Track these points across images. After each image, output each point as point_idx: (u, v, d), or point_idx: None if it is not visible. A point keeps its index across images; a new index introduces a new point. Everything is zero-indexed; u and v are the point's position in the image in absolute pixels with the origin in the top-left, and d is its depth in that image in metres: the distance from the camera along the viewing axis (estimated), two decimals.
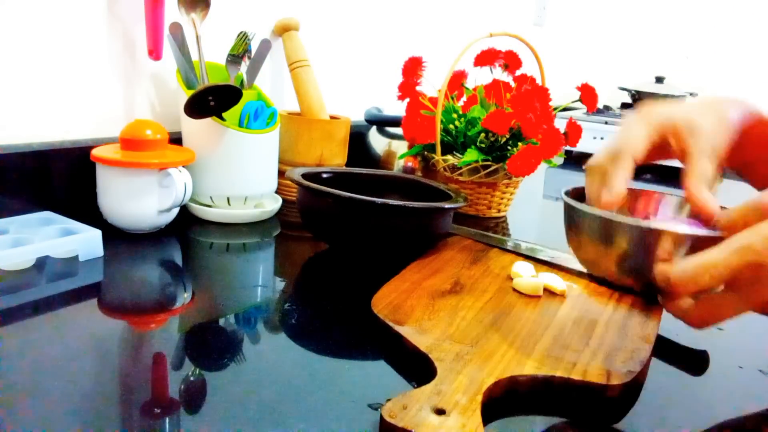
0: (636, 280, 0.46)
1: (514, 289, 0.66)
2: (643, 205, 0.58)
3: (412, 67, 1.04)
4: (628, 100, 2.03)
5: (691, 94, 2.02)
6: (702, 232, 0.43)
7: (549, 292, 0.66)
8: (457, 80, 1.07)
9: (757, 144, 0.52)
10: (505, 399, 0.48)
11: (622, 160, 0.51)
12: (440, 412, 0.42)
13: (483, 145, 0.97)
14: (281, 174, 0.95)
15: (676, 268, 0.41)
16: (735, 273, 0.39)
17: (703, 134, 0.50)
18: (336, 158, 1.04)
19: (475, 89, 1.06)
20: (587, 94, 1.07)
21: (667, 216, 0.57)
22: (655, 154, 0.53)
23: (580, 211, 0.47)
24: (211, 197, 0.88)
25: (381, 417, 0.41)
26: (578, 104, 1.08)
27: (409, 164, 1.17)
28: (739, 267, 0.39)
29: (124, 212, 0.77)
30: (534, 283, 0.65)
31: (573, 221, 0.48)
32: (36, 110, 0.80)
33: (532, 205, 1.22)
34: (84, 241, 0.69)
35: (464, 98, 1.08)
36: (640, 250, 0.44)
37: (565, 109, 1.15)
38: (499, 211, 1.04)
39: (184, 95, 0.83)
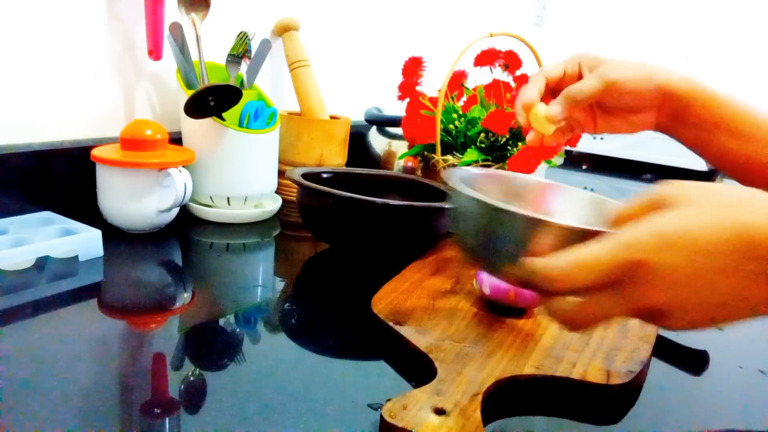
0: (511, 278, 0.41)
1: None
2: (552, 199, 0.56)
3: (412, 67, 1.04)
4: None
5: None
6: (590, 227, 0.37)
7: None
8: (457, 80, 1.07)
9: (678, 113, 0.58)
10: (505, 399, 0.48)
11: (535, 76, 0.61)
12: (440, 412, 0.42)
13: (483, 145, 0.97)
14: (281, 174, 0.95)
15: (550, 261, 0.35)
16: (619, 270, 0.34)
17: (608, 64, 0.60)
18: (336, 158, 1.04)
19: (475, 89, 1.06)
20: None
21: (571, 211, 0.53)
22: (570, 80, 0.61)
23: (461, 194, 0.41)
24: (211, 197, 0.88)
25: (381, 417, 0.41)
26: None
27: (409, 164, 1.17)
28: (625, 264, 0.34)
29: (124, 212, 0.77)
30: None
31: (456, 207, 0.43)
32: (36, 110, 0.80)
33: None
34: (84, 241, 0.69)
35: (464, 98, 1.08)
36: (519, 241, 0.39)
37: None
38: None
39: (184, 95, 0.83)
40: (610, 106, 0.61)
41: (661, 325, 0.36)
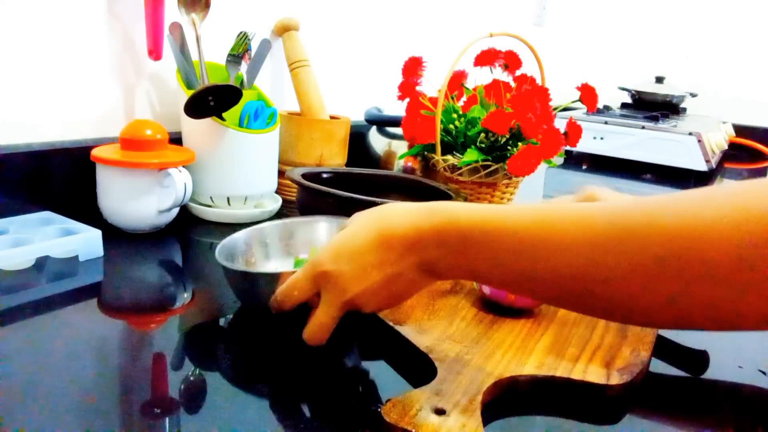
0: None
1: None
2: None
3: (412, 67, 1.04)
4: (628, 100, 2.03)
5: (691, 94, 2.01)
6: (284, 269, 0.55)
7: None
8: (457, 80, 1.07)
9: None
10: (505, 399, 0.48)
11: None
12: (440, 412, 0.42)
13: (483, 145, 0.97)
14: (281, 174, 0.95)
15: (278, 290, 0.51)
16: (316, 281, 0.48)
17: None
18: (336, 158, 1.04)
19: (475, 89, 1.06)
20: (587, 94, 1.07)
21: None
22: None
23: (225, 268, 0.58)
24: (211, 197, 0.88)
25: (381, 417, 0.41)
26: (578, 104, 1.08)
27: (409, 164, 1.17)
28: (316, 276, 0.48)
29: (124, 212, 0.77)
30: None
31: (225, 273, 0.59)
32: (36, 110, 0.80)
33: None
34: (84, 241, 0.69)
35: (464, 98, 1.08)
36: (252, 288, 0.57)
37: (565, 109, 1.15)
38: None
39: (184, 95, 0.83)
40: None
41: (363, 310, 0.48)
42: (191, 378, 0.48)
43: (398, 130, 1.18)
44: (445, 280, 0.57)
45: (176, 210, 0.80)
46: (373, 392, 0.48)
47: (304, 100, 1.04)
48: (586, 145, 1.70)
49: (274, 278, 0.54)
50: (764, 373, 0.57)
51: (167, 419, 0.43)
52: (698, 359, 0.59)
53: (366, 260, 0.46)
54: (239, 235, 0.65)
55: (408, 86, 1.04)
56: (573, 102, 1.09)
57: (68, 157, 0.81)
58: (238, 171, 0.87)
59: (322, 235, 0.68)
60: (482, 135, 0.97)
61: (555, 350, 0.53)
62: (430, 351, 0.51)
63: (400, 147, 1.25)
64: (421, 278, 0.47)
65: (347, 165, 1.08)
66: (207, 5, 0.87)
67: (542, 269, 0.40)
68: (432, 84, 1.05)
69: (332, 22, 1.23)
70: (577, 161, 1.73)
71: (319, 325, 0.49)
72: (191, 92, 0.80)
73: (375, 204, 0.72)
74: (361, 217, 0.50)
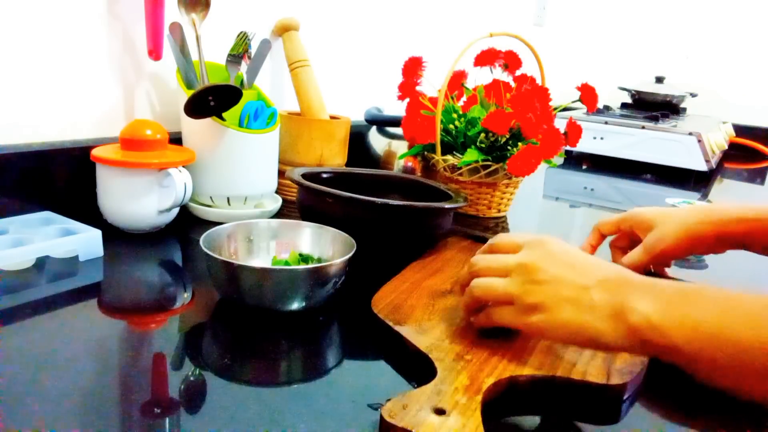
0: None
1: None
2: None
3: (412, 67, 1.04)
4: (628, 100, 2.03)
5: (691, 94, 2.01)
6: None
7: None
8: (457, 80, 1.07)
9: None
10: (505, 399, 0.48)
11: (592, 233, 0.75)
12: (440, 412, 0.42)
13: (483, 145, 0.97)
14: (281, 174, 0.95)
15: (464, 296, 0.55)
16: (474, 303, 0.54)
17: (654, 234, 0.67)
18: (336, 158, 1.04)
19: (475, 89, 1.06)
20: (587, 94, 1.07)
21: None
22: (624, 237, 0.73)
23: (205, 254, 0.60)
24: (211, 197, 0.88)
25: (381, 417, 0.41)
26: (578, 104, 1.08)
27: (409, 164, 1.17)
28: (471, 302, 0.54)
29: (124, 212, 0.77)
30: None
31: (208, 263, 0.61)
32: (36, 110, 0.80)
33: (532, 205, 1.22)
34: (84, 241, 0.69)
35: (464, 98, 1.08)
36: (233, 280, 0.59)
37: (565, 109, 1.15)
38: (499, 211, 1.04)
39: (184, 95, 0.83)
40: None
41: (537, 319, 0.49)
42: (191, 378, 0.49)
43: (398, 130, 1.18)
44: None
45: (176, 210, 0.80)
46: (373, 392, 0.48)
47: (304, 100, 1.04)
48: (586, 145, 1.70)
49: (255, 272, 0.58)
50: None
51: (167, 419, 0.43)
52: None
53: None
54: (225, 228, 0.66)
55: (408, 86, 1.04)
56: (573, 102, 1.09)
57: (68, 157, 0.81)
58: (238, 171, 0.87)
59: (305, 240, 0.70)
60: (482, 135, 0.97)
61: (555, 350, 0.53)
62: (430, 351, 0.51)
63: (400, 147, 1.25)
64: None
65: (347, 165, 1.08)
66: (207, 5, 0.87)
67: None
68: (432, 84, 1.05)
69: (332, 22, 1.23)
70: (577, 161, 1.73)
71: (487, 319, 0.53)
72: (191, 92, 0.80)
73: (375, 204, 0.73)
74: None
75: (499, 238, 0.57)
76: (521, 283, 0.50)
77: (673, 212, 0.68)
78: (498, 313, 0.51)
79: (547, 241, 0.52)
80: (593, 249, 0.75)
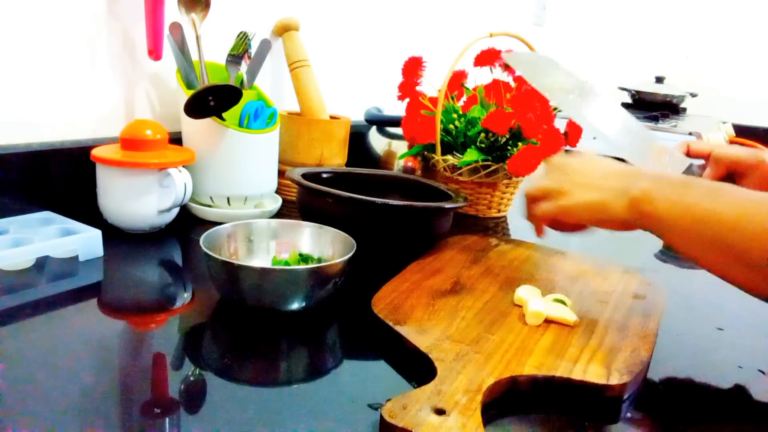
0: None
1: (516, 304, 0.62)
2: None
3: (412, 67, 1.04)
4: (628, 100, 2.03)
5: (691, 94, 2.01)
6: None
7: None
8: (457, 80, 1.07)
9: None
10: (505, 399, 0.48)
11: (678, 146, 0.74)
12: (440, 412, 0.42)
13: (483, 145, 0.97)
14: (281, 174, 0.95)
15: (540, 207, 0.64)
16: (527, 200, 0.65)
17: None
18: (336, 158, 1.04)
19: (475, 89, 1.06)
20: None
21: None
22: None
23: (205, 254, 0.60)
24: (211, 197, 0.88)
25: (381, 417, 0.41)
26: None
27: (409, 164, 1.17)
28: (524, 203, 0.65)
29: (124, 212, 0.77)
30: (536, 312, 0.58)
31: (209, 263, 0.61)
32: (36, 110, 0.80)
33: None
34: (84, 241, 0.69)
35: (464, 98, 1.08)
36: (232, 279, 0.58)
37: None
38: (499, 211, 1.04)
39: (184, 95, 0.83)
40: None
41: (564, 201, 0.60)
42: (191, 378, 0.49)
43: (398, 130, 1.18)
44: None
45: (176, 210, 0.80)
46: (373, 392, 0.48)
47: (304, 100, 1.04)
48: (586, 145, 1.69)
49: (255, 272, 0.58)
50: (764, 373, 0.57)
51: (167, 419, 0.43)
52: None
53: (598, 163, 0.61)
54: (225, 228, 0.66)
55: (408, 86, 1.04)
56: None
57: (68, 157, 0.81)
58: (238, 171, 0.87)
59: (305, 240, 0.69)
60: (482, 135, 0.97)
61: (555, 350, 0.53)
62: (430, 351, 0.51)
63: (400, 147, 1.25)
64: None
65: (347, 165, 1.08)
66: (207, 5, 0.87)
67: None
68: (432, 84, 1.05)
69: (332, 22, 1.23)
70: None
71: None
72: (191, 92, 0.80)
73: (375, 204, 0.73)
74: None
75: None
76: (552, 176, 0.63)
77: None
78: (541, 205, 0.62)
79: (583, 154, 0.64)
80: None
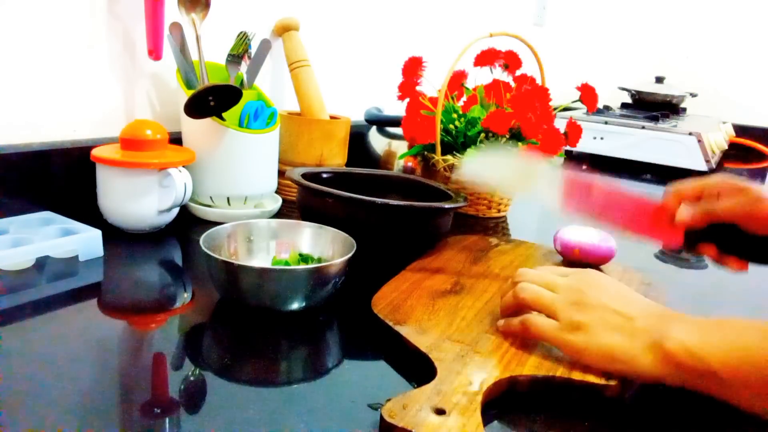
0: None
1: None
2: None
3: (412, 67, 1.04)
4: (628, 100, 2.03)
5: (691, 95, 2.01)
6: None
7: None
8: (457, 80, 1.07)
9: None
10: (505, 399, 0.48)
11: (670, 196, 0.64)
12: (440, 412, 0.42)
13: (483, 145, 0.97)
14: (281, 174, 0.95)
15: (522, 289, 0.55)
16: (514, 306, 0.55)
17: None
18: (336, 158, 1.04)
19: (475, 89, 1.06)
20: (587, 94, 1.07)
21: None
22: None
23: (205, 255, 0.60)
24: (211, 197, 0.88)
25: (381, 417, 0.41)
26: (578, 104, 1.08)
27: (409, 164, 1.17)
28: (513, 303, 0.55)
29: (124, 212, 0.77)
30: None
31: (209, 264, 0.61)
32: (36, 110, 0.80)
33: (532, 205, 1.22)
34: (84, 241, 0.69)
35: (464, 98, 1.08)
36: (232, 280, 0.58)
37: (565, 109, 1.15)
38: (499, 211, 1.04)
39: (184, 95, 0.83)
40: None
41: (577, 338, 0.50)
42: (191, 378, 0.49)
43: (398, 130, 1.18)
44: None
45: (176, 210, 0.80)
46: (373, 392, 0.48)
47: (304, 100, 1.04)
48: (586, 145, 1.70)
49: (255, 272, 0.58)
50: None
51: (167, 419, 0.43)
52: None
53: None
54: (225, 228, 0.66)
55: (408, 86, 1.04)
56: (573, 102, 1.09)
57: (68, 157, 0.81)
58: (238, 171, 0.87)
59: (305, 240, 0.70)
60: (482, 135, 0.97)
61: (555, 350, 0.53)
62: (430, 351, 0.51)
63: (400, 147, 1.25)
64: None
65: (347, 165, 1.08)
66: (207, 5, 0.87)
67: None
68: (432, 84, 1.05)
69: (332, 22, 1.23)
70: (577, 161, 1.73)
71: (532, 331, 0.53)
72: (191, 92, 0.80)
73: (375, 204, 0.73)
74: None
75: (542, 268, 0.59)
76: (570, 301, 0.51)
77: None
78: (538, 324, 0.52)
79: (595, 272, 0.55)
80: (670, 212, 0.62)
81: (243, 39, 0.92)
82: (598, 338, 0.49)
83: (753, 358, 0.43)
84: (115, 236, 0.76)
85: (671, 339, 0.45)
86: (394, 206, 0.73)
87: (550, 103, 1.03)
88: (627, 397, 0.50)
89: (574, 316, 0.50)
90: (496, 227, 0.99)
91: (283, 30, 1.06)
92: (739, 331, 0.45)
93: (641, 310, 0.50)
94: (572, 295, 0.51)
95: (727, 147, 1.90)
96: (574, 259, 0.75)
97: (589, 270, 0.56)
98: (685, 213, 0.59)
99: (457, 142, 1.00)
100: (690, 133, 1.58)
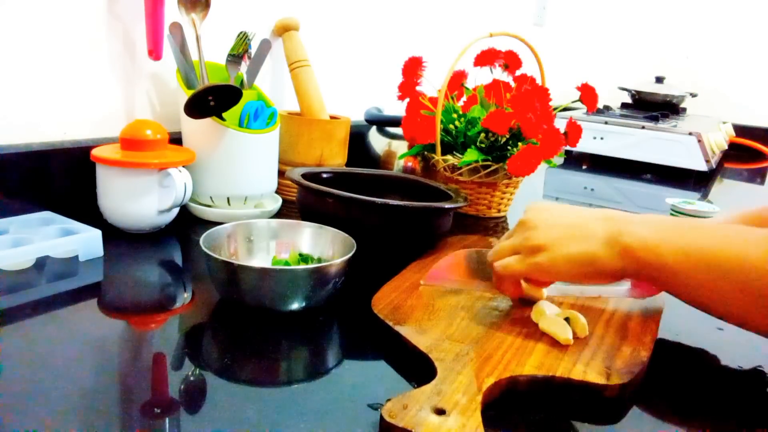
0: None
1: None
2: None
3: (412, 67, 1.04)
4: (628, 100, 2.03)
5: (691, 95, 2.01)
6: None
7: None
8: (457, 80, 1.07)
9: None
10: (504, 399, 0.48)
11: None
12: (440, 412, 0.42)
13: (483, 145, 0.97)
14: (281, 174, 0.95)
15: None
16: (516, 228, 0.58)
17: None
18: (336, 158, 1.04)
19: (475, 89, 1.06)
20: (587, 94, 1.07)
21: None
22: None
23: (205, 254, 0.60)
24: (211, 197, 0.88)
25: (381, 417, 0.41)
26: (578, 104, 1.08)
27: (409, 164, 1.17)
28: (518, 224, 0.59)
29: (124, 212, 0.77)
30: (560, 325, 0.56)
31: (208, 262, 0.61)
32: (36, 110, 0.80)
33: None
34: (84, 241, 0.69)
35: (464, 98, 1.08)
36: (233, 280, 0.59)
37: (565, 109, 1.15)
38: (499, 211, 1.04)
39: (184, 95, 0.83)
40: None
41: (541, 258, 0.54)
42: (191, 378, 0.49)
43: (398, 130, 1.18)
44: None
45: (176, 210, 0.80)
46: (373, 392, 0.48)
47: (304, 100, 1.04)
48: (586, 145, 1.70)
49: (255, 272, 0.58)
50: (764, 372, 0.57)
51: (167, 419, 0.43)
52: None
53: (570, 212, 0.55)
54: (225, 228, 0.66)
55: (408, 86, 1.04)
56: (573, 102, 1.09)
57: (68, 157, 0.81)
58: (238, 171, 0.87)
59: (305, 240, 0.70)
60: (482, 135, 0.97)
61: (555, 350, 0.53)
62: (430, 351, 0.51)
63: (400, 147, 1.25)
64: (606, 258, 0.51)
65: (347, 165, 1.08)
66: (207, 5, 0.87)
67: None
68: (432, 84, 1.05)
69: (332, 22, 1.23)
70: (577, 161, 1.73)
71: (511, 261, 0.56)
72: (191, 92, 0.80)
73: (375, 204, 0.73)
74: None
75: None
76: (521, 234, 0.56)
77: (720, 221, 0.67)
78: (505, 263, 0.56)
79: (536, 203, 0.59)
80: None
81: (243, 39, 0.92)
82: (559, 250, 0.53)
83: (705, 254, 0.47)
84: (115, 236, 0.76)
85: (629, 234, 0.50)
86: (394, 206, 0.73)
87: (550, 103, 1.03)
88: (627, 397, 0.50)
89: (529, 242, 0.54)
90: (496, 227, 0.99)
91: (283, 30, 1.06)
92: (691, 231, 0.49)
93: (589, 216, 0.54)
94: (524, 230, 0.56)
95: (727, 147, 1.90)
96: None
97: (532, 203, 0.60)
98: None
99: (457, 142, 1.00)
100: (690, 133, 1.58)
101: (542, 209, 0.57)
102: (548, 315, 0.57)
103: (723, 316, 0.49)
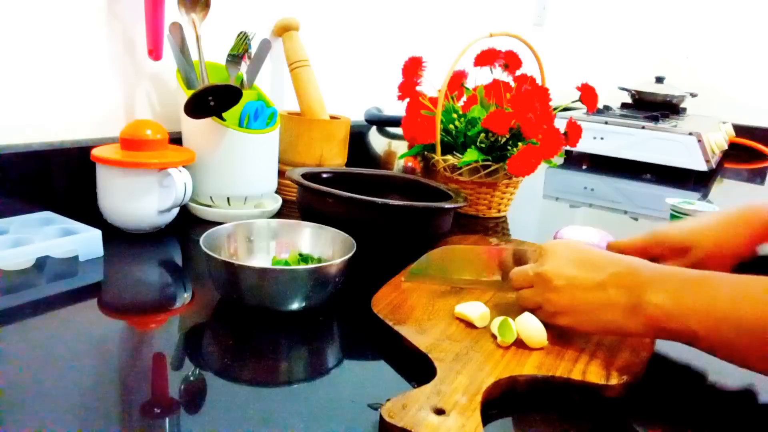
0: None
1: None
2: None
3: (412, 67, 1.04)
4: (628, 100, 2.03)
5: (691, 94, 2.01)
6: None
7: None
8: (457, 80, 1.07)
9: None
10: (504, 399, 0.48)
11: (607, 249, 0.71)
12: (440, 412, 0.42)
13: (483, 145, 0.97)
14: (281, 174, 0.95)
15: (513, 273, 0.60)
16: (535, 277, 0.57)
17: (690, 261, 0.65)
18: (336, 158, 1.04)
19: (475, 89, 1.06)
20: (587, 94, 1.07)
21: None
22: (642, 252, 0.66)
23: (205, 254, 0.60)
24: (211, 197, 0.88)
25: (381, 417, 0.41)
26: (578, 104, 1.08)
27: (409, 164, 1.17)
28: (536, 274, 0.56)
29: (124, 212, 0.77)
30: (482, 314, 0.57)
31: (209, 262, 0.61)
32: (36, 110, 0.80)
33: (532, 205, 1.22)
34: (84, 241, 0.69)
35: (464, 98, 1.08)
36: (233, 279, 0.59)
37: (565, 109, 1.15)
38: (499, 211, 1.04)
39: (184, 95, 0.83)
40: None
41: (565, 321, 0.54)
42: (191, 378, 0.49)
43: (398, 130, 1.18)
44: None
45: (176, 210, 0.80)
46: (373, 392, 0.48)
47: (304, 100, 1.04)
48: (586, 145, 1.70)
49: (255, 272, 0.58)
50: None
51: (167, 419, 0.43)
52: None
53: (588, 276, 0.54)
54: (225, 228, 0.66)
55: (408, 86, 1.04)
56: (573, 102, 1.09)
57: (68, 157, 0.81)
58: (238, 171, 0.87)
59: (305, 240, 0.70)
60: (482, 135, 0.97)
61: (555, 350, 0.53)
62: (430, 351, 0.51)
63: (400, 147, 1.25)
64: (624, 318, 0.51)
65: (347, 165, 1.08)
66: (207, 5, 0.87)
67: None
68: (432, 84, 1.05)
69: (332, 22, 1.23)
70: (577, 161, 1.73)
71: (529, 302, 0.57)
72: (191, 92, 0.80)
73: (375, 204, 0.73)
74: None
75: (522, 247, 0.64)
76: (542, 293, 0.55)
77: (704, 228, 0.67)
78: (537, 315, 0.56)
79: (557, 246, 0.57)
80: None
81: (243, 39, 0.92)
82: (579, 317, 0.53)
83: (728, 317, 0.46)
84: (115, 236, 0.76)
85: (649, 305, 0.49)
86: (394, 206, 0.73)
87: (550, 103, 1.03)
88: (627, 397, 0.50)
89: (551, 307, 0.55)
90: (496, 227, 0.99)
91: (283, 30, 1.06)
92: (712, 290, 0.48)
93: (608, 273, 0.52)
94: (543, 285, 0.55)
95: (727, 147, 1.90)
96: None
97: (551, 244, 0.58)
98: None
99: (457, 142, 1.00)
100: (690, 133, 1.58)
101: (559, 260, 0.55)
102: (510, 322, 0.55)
103: (762, 371, 0.48)
